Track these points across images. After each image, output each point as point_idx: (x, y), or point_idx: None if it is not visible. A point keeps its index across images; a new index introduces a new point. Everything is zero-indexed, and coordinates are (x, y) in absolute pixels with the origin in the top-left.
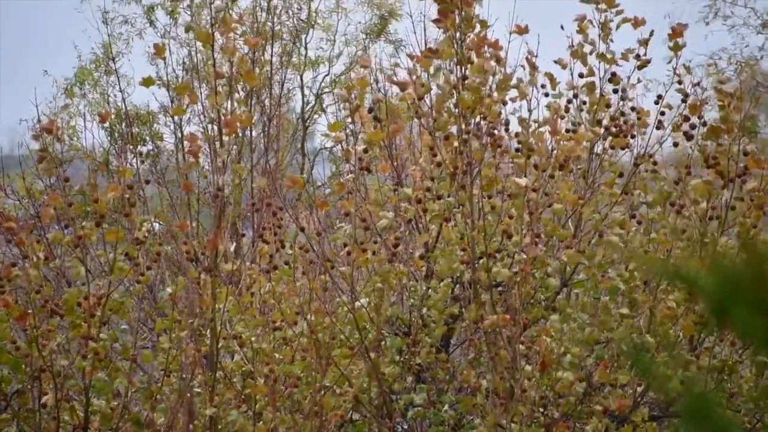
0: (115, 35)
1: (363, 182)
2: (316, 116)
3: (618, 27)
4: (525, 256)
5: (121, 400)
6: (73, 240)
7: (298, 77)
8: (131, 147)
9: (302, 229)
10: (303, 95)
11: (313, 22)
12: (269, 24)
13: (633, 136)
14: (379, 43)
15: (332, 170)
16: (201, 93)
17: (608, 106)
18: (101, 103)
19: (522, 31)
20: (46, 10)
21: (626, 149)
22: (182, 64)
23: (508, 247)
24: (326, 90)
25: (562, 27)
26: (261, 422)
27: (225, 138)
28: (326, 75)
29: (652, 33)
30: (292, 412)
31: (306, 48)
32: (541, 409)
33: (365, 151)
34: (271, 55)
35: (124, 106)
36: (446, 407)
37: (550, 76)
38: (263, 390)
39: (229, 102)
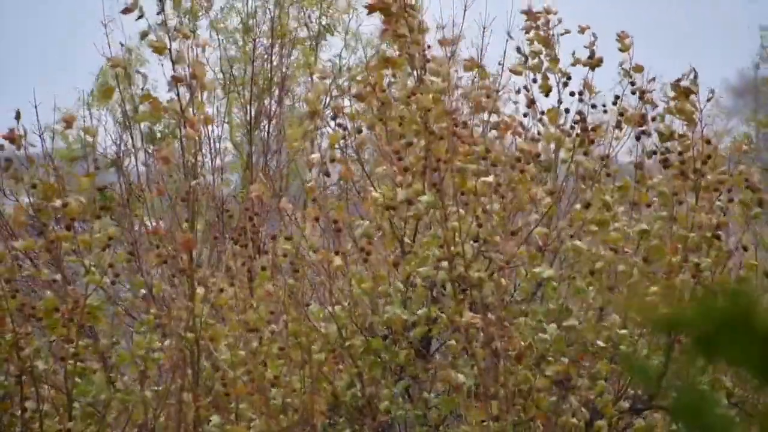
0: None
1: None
2: None
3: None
4: (501, 256)
5: (102, 403)
6: (46, 245)
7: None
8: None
9: (273, 237)
10: None
11: (326, 28)
12: (275, 26)
13: (592, 141)
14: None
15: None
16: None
17: (566, 111)
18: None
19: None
20: (47, 10)
21: (591, 145)
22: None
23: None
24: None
25: (510, 36)
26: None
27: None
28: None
29: (595, 37)
30: (272, 416)
31: (317, 51)
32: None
33: (332, 160)
34: (271, 55)
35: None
36: (426, 407)
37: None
38: (243, 390)
39: (192, 105)
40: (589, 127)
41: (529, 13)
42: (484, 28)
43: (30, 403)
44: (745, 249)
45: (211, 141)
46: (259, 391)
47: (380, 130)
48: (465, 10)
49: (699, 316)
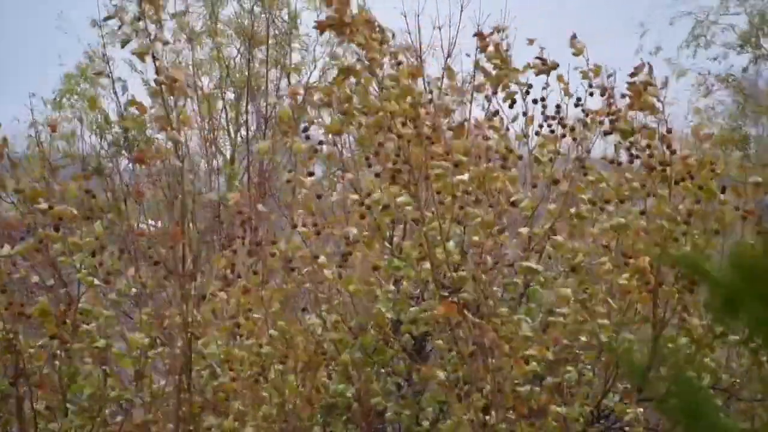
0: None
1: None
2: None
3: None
4: (487, 258)
5: (98, 403)
6: (34, 246)
7: (286, 79)
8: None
9: (258, 243)
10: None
11: (295, 24)
12: (251, 26)
13: (563, 136)
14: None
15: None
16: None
17: (524, 114)
18: (94, 107)
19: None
20: (46, 10)
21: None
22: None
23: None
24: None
25: (467, 54)
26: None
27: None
28: (309, 76)
29: (542, 48)
30: (266, 418)
31: (290, 49)
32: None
33: (310, 174)
34: (269, 55)
35: (118, 109)
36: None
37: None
38: (233, 387)
39: (174, 110)
40: (567, 125)
41: (480, 36)
42: (478, 26)
43: (25, 403)
44: (717, 232)
45: (207, 144)
46: (250, 389)
47: (358, 131)
48: (462, 10)
49: (729, 273)
